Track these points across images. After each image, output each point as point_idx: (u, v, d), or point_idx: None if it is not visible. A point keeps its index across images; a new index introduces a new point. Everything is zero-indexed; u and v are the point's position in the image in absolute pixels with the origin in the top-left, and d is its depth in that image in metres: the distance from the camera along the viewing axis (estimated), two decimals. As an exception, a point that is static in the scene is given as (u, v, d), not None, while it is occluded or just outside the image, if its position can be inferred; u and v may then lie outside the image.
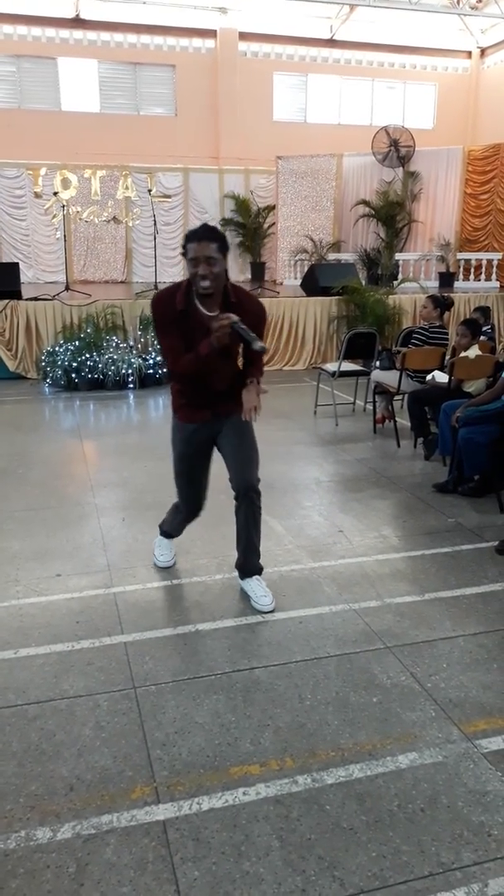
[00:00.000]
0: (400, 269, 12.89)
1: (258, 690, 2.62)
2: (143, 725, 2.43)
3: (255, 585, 3.31)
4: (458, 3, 15.01)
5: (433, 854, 1.92)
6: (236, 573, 3.44)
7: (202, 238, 2.80)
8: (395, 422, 6.16)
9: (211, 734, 2.39)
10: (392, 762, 2.26)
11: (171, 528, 3.67)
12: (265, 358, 3.20)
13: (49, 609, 3.22)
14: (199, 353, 2.89)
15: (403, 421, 6.18)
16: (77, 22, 14.61)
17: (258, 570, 3.35)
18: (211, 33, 15.50)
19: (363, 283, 11.00)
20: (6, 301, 8.66)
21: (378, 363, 6.55)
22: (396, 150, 13.73)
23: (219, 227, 14.32)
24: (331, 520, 4.29)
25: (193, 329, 2.93)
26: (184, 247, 2.86)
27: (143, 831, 1.99)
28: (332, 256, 13.41)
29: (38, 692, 2.60)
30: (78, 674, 2.72)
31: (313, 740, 2.36)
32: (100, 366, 8.03)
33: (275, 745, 2.34)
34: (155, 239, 11.34)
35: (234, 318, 2.81)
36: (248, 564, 3.35)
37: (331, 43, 16.26)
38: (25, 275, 12.98)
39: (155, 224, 11.14)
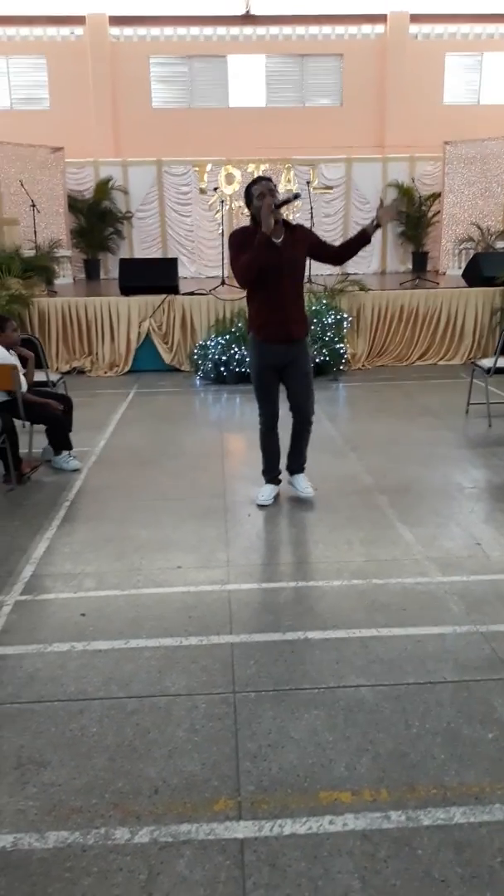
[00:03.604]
0: None
1: (362, 711, 2.46)
2: (237, 734, 2.36)
3: (300, 480, 4.47)
4: None
5: (536, 927, 1.69)
6: (357, 580, 3.34)
7: (261, 180, 3.90)
8: None
9: (305, 752, 2.27)
10: (501, 811, 2.02)
11: (267, 466, 4.48)
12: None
13: (164, 601, 3.25)
14: (258, 243, 3.76)
15: None
16: (247, 18, 14.79)
17: (302, 469, 4.50)
18: (381, 18, 15.07)
19: (533, 273, 10.20)
20: (164, 296, 8.96)
21: (539, 360, 6.03)
22: None
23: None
24: (469, 530, 3.98)
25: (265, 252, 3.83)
26: (248, 193, 3.91)
27: (220, 848, 1.92)
28: (500, 245, 12.58)
29: (140, 686, 2.61)
30: (181, 671, 2.70)
31: (414, 773, 2.17)
32: (248, 359, 8.07)
33: (371, 772, 2.18)
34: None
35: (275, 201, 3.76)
36: (295, 465, 4.50)
37: (511, 16, 15.23)
38: (188, 269, 13.43)
39: (312, 217, 11.02)
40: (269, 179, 3.92)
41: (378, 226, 3.91)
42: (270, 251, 3.85)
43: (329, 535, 3.93)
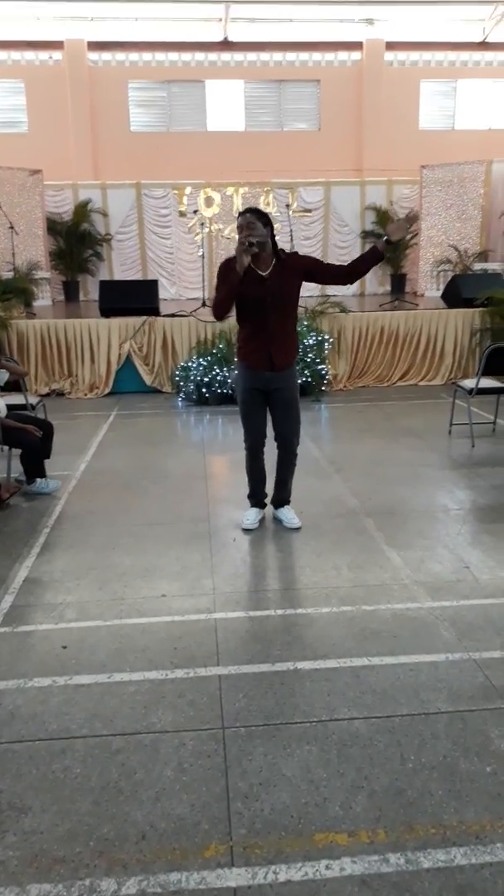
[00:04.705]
0: (553, 278, 11.98)
1: (356, 745, 2.38)
2: (227, 772, 2.26)
3: (286, 511, 4.39)
4: None
5: None
6: (346, 606, 3.24)
7: (246, 213, 3.84)
8: (537, 445, 5.65)
9: (298, 791, 2.18)
10: (503, 850, 1.95)
11: (253, 489, 4.43)
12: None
13: (149, 631, 3.15)
14: (230, 281, 3.77)
15: (547, 445, 5.65)
16: (225, 45, 14.95)
17: (288, 501, 4.43)
18: (357, 45, 15.33)
19: (511, 294, 10.31)
20: (145, 317, 8.91)
21: (521, 381, 6.05)
22: (552, 152, 12.83)
23: (359, 239, 14.14)
24: (456, 553, 3.93)
25: (248, 284, 3.80)
26: (238, 226, 3.84)
27: (212, 898, 1.82)
28: (477, 266, 12.73)
29: (125, 723, 2.51)
30: (168, 706, 2.60)
31: (412, 812, 2.09)
32: (229, 381, 8.04)
33: (367, 811, 2.09)
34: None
35: (249, 240, 3.70)
36: (281, 497, 4.42)
37: (483, 46, 15.55)
38: (168, 291, 13.41)
39: (292, 240, 11.08)
40: (253, 212, 3.83)
41: (389, 242, 3.80)
42: (255, 284, 3.81)
43: (316, 559, 3.86)
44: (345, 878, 1.87)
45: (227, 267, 3.85)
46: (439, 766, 2.27)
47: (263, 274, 3.85)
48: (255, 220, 3.77)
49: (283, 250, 3.93)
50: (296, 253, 4.11)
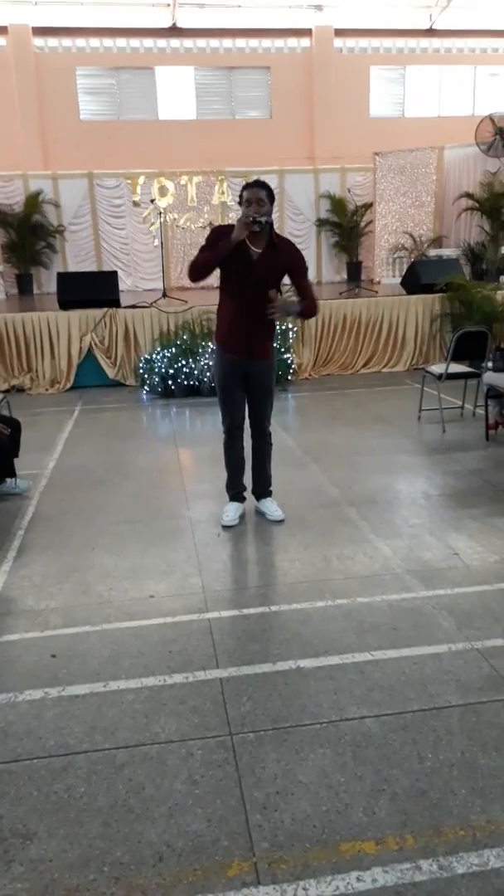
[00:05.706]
0: (508, 263, 12.12)
1: (370, 745, 2.30)
2: (241, 782, 2.16)
3: (268, 503, 4.27)
4: None
5: None
6: (341, 599, 3.15)
7: (255, 186, 3.65)
8: (510, 429, 5.66)
9: (317, 798, 2.08)
10: (536, 848, 1.89)
11: (231, 480, 4.28)
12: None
13: (141, 635, 3.02)
14: (220, 247, 3.62)
15: (520, 428, 5.67)
16: (174, 31, 14.67)
17: (269, 493, 4.31)
18: (306, 32, 15.22)
19: (467, 278, 10.38)
20: (105, 309, 8.68)
21: (490, 364, 6.06)
22: (502, 138, 12.95)
23: (314, 227, 14.09)
24: (443, 540, 3.89)
25: (236, 257, 3.68)
26: (241, 195, 3.68)
27: (242, 920, 1.72)
28: (433, 252, 12.80)
29: (126, 735, 2.38)
30: (170, 714, 2.48)
31: (437, 813, 2.02)
32: (195, 372, 7.90)
33: (392, 816, 2.01)
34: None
35: (255, 217, 3.56)
36: (262, 488, 4.31)
37: (430, 32, 15.61)
38: (125, 283, 13.11)
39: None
40: (262, 187, 3.65)
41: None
42: (242, 261, 3.71)
43: (304, 552, 3.77)
44: (378, 891, 1.78)
45: (219, 233, 3.73)
46: (458, 763, 2.21)
47: (255, 251, 3.71)
48: (264, 198, 3.62)
49: (278, 234, 3.82)
50: (291, 244, 3.92)
